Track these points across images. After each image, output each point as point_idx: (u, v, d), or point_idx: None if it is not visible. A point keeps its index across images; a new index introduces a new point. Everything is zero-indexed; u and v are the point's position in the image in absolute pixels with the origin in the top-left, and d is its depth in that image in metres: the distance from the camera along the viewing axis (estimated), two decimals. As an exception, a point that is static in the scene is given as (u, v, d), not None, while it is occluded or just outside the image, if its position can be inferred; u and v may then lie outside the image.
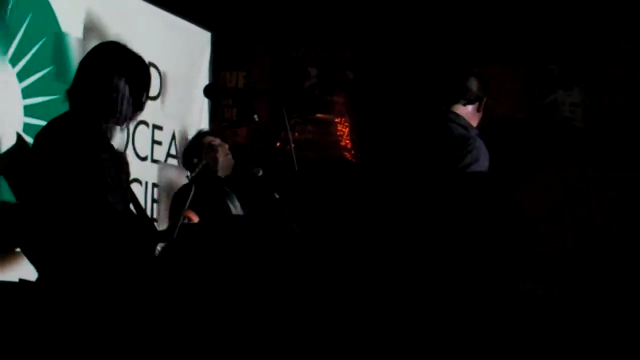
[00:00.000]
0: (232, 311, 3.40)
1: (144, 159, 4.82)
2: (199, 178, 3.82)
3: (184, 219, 3.66)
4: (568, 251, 5.25)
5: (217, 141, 4.76)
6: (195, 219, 3.94)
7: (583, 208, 5.32)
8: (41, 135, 3.18)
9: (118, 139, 3.47)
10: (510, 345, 3.89)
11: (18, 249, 3.50)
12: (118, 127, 3.31)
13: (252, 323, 3.40)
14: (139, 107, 3.32)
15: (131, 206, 3.29)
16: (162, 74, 5.00)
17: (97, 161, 3.07)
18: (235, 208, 4.59)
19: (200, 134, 4.82)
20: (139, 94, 3.30)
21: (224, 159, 4.73)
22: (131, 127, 4.44)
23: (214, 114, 5.82)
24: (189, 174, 3.92)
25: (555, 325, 4.40)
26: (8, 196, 3.58)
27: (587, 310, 4.78)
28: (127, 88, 3.22)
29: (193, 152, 4.70)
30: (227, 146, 4.77)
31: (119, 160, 3.35)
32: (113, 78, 3.20)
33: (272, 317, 3.44)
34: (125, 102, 3.22)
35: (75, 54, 4.10)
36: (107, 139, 3.22)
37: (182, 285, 3.21)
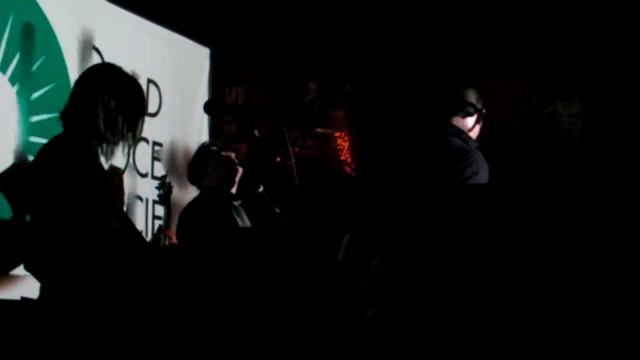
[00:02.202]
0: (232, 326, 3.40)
1: (144, 175, 4.83)
2: (169, 196, 3.79)
3: (164, 237, 3.65)
4: (566, 261, 5.25)
5: (224, 151, 4.66)
6: (174, 237, 3.92)
7: (581, 219, 5.32)
8: (39, 155, 3.19)
9: (119, 157, 3.46)
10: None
11: (19, 268, 3.50)
12: (118, 147, 3.31)
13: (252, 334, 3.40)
14: (133, 128, 3.31)
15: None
16: (161, 90, 5.01)
17: (92, 182, 3.08)
18: (243, 222, 4.55)
19: (205, 146, 4.76)
20: (133, 116, 3.30)
21: (236, 168, 4.62)
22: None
23: (214, 130, 5.83)
24: (159, 191, 3.87)
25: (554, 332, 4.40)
26: (6, 213, 3.59)
27: (585, 317, 4.78)
28: (120, 110, 3.23)
29: (200, 164, 4.62)
30: (233, 154, 4.69)
31: (110, 180, 3.36)
32: (105, 100, 3.20)
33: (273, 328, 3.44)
34: (118, 124, 3.22)
35: (75, 72, 4.12)
36: (98, 160, 3.22)
37: (182, 300, 3.22)
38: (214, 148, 4.66)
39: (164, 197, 3.83)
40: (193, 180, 4.64)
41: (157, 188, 4.05)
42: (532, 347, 4.52)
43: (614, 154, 5.34)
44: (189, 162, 4.79)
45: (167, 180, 4.07)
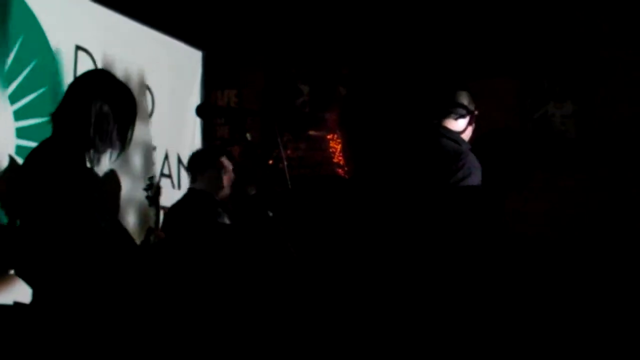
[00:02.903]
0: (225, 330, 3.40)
1: (138, 178, 4.82)
2: (157, 197, 3.84)
3: (154, 238, 3.67)
4: (561, 261, 5.25)
5: (230, 166, 4.68)
6: (163, 236, 3.97)
7: (575, 219, 5.33)
8: (29, 158, 3.19)
9: (106, 163, 3.45)
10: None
11: (12, 272, 3.50)
12: (106, 153, 3.29)
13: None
14: (123, 136, 3.31)
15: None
16: (153, 94, 5.01)
17: (80, 186, 3.08)
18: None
19: (218, 150, 4.76)
20: (123, 124, 3.30)
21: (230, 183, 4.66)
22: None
23: (207, 133, 5.83)
24: (147, 192, 3.91)
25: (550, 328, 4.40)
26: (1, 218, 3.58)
27: (584, 317, 4.79)
28: (111, 117, 3.23)
29: (205, 162, 4.62)
30: (231, 167, 4.72)
31: (103, 183, 3.34)
32: (97, 106, 3.20)
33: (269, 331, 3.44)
34: (108, 131, 3.22)
35: (67, 76, 4.11)
36: (85, 164, 3.22)
37: (172, 300, 3.22)
38: (216, 155, 4.69)
39: (153, 199, 3.87)
40: (192, 168, 4.67)
41: (145, 189, 4.08)
42: (530, 347, 4.52)
43: (607, 154, 5.35)
44: (189, 157, 4.80)
45: (156, 181, 4.10)
